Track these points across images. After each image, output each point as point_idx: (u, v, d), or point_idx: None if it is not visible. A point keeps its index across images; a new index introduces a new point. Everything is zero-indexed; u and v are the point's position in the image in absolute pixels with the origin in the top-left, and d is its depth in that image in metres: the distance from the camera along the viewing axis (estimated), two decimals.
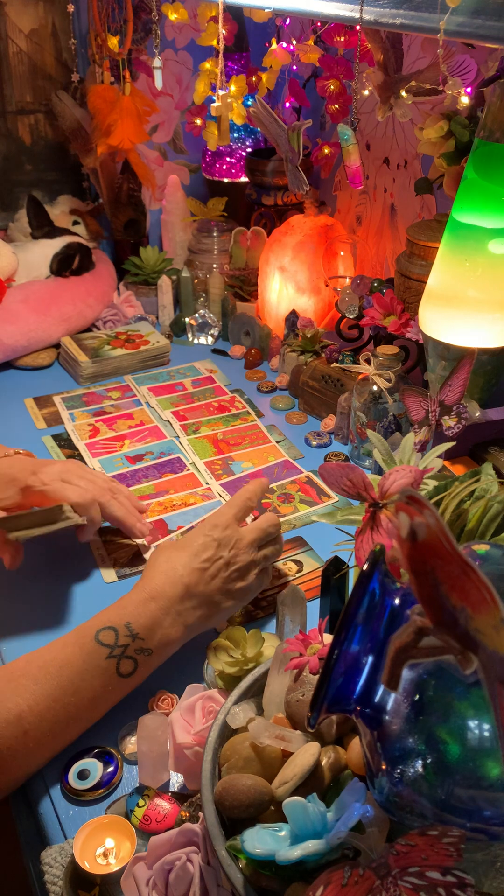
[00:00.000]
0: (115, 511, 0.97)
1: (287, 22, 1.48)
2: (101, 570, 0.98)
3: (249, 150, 1.63)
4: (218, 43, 1.14)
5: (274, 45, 1.32)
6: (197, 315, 1.54)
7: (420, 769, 0.48)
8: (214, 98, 1.20)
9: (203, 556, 0.80)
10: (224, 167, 1.66)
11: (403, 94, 1.01)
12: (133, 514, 0.99)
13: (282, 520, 1.06)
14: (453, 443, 0.79)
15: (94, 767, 0.73)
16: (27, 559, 0.98)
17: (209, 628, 0.83)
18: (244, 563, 0.82)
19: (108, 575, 0.97)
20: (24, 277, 1.51)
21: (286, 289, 1.41)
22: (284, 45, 1.31)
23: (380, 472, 0.71)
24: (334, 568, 0.80)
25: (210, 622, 0.81)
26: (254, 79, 1.42)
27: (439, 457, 0.73)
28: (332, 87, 1.24)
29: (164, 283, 1.55)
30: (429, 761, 0.48)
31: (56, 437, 1.25)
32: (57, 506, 0.90)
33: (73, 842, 0.65)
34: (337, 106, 1.26)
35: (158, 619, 0.76)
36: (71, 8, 1.51)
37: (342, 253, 1.39)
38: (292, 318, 1.39)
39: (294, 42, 1.32)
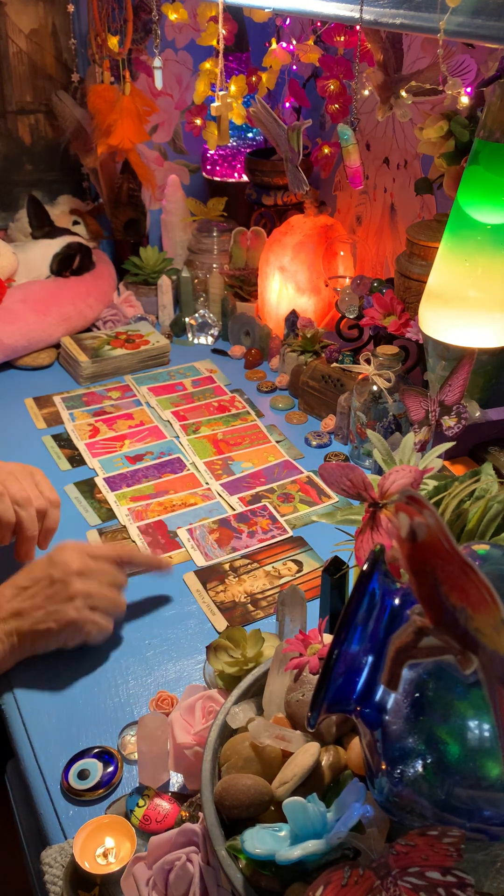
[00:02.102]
0: (24, 519, 0.89)
1: (287, 22, 1.48)
2: None
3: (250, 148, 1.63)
4: (218, 43, 1.14)
5: (274, 45, 1.32)
6: (197, 315, 1.54)
7: (420, 769, 0.48)
8: (214, 98, 1.20)
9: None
10: (230, 165, 1.66)
11: (403, 94, 1.01)
12: (36, 538, 0.91)
13: (282, 519, 1.06)
14: (453, 443, 0.79)
15: (94, 767, 0.73)
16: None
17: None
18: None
19: None
20: (25, 277, 1.51)
21: (286, 289, 1.41)
22: (284, 45, 1.31)
23: (380, 472, 0.71)
24: (334, 568, 0.80)
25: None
26: (254, 79, 1.42)
27: (439, 457, 0.73)
28: (332, 87, 1.24)
29: (164, 283, 1.55)
30: (429, 761, 0.48)
31: (56, 437, 1.25)
32: None
33: (73, 842, 0.65)
34: (337, 106, 1.26)
35: None
36: (71, 8, 1.51)
37: (342, 253, 1.38)
38: (292, 318, 1.39)
39: (294, 42, 1.31)
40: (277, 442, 1.24)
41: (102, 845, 0.65)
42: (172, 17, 1.35)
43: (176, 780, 0.73)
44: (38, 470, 0.95)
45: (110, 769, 0.73)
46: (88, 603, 0.83)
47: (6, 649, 0.80)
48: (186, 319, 1.55)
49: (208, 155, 1.68)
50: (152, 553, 0.92)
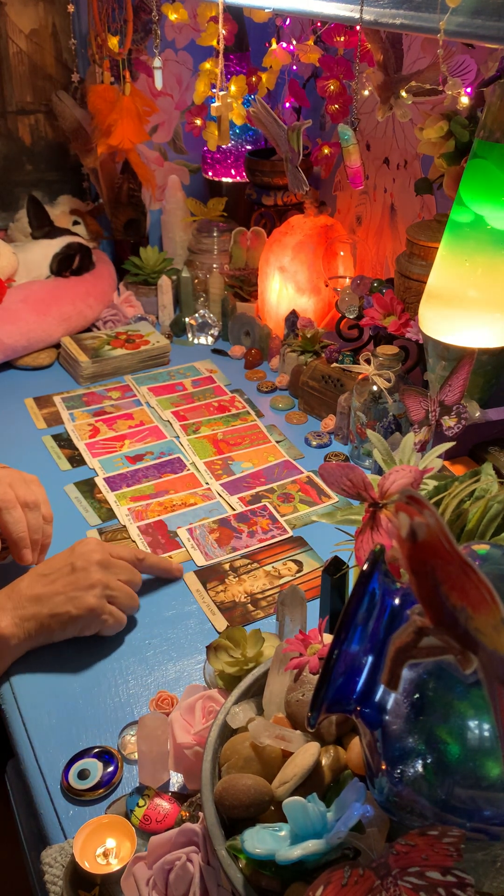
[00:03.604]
0: (9, 522, 0.89)
1: (287, 22, 1.48)
2: None
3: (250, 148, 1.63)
4: (218, 43, 1.14)
5: (274, 45, 1.32)
6: (197, 315, 1.54)
7: (420, 769, 0.48)
8: (214, 98, 1.20)
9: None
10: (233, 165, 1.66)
11: (403, 94, 1.01)
12: (31, 539, 0.91)
13: (282, 519, 1.06)
14: (453, 443, 0.79)
15: (95, 767, 0.73)
16: None
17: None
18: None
19: None
20: (25, 277, 1.51)
21: (286, 289, 1.41)
22: (284, 45, 1.31)
23: (380, 472, 0.71)
24: (334, 568, 0.80)
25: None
26: (254, 79, 1.42)
27: (439, 457, 0.73)
28: (332, 87, 1.24)
29: (164, 283, 1.55)
30: (429, 761, 0.48)
31: (56, 437, 1.25)
32: None
33: (73, 842, 0.65)
34: (337, 106, 1.26)
35: None
36: (71, 8, 1.51)
37: (342, 253, 1.38)
38: (292, 318, 1.39)
39: (294, 42, 1.32)
40: (277, 442, 1.24)
41: (102, 845, 0.65)
42: (172, 17, 1.35)
43: (176, 780, 0.73)
44: (34, 478, 0.95)
45: (110, 769, 0.73)
46: (107, 594, 0.84)
47: (21, 636, 0.81)
48: (186, 319, 1.55)
49: (209, 159, 1.68)
50: (166, 559, 0.96)
